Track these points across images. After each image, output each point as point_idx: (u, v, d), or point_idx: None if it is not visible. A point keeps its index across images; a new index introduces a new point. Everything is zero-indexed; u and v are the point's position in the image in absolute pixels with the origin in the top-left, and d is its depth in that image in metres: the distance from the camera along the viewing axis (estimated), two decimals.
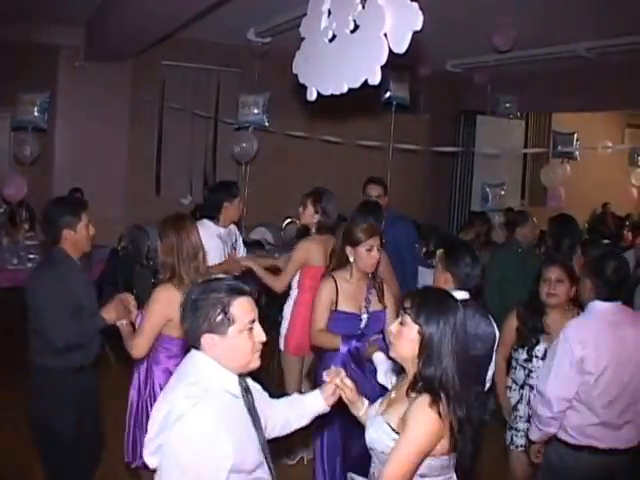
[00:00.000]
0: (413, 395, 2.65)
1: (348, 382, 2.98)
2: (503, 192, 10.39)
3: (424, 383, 2.63)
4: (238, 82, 10.68)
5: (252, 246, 7.80)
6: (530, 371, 4.37)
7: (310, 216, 5.31)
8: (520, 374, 4.44)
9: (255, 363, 2.53)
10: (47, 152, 9.59)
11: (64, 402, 3.97)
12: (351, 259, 4.23)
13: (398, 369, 2.98)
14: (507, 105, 11.18)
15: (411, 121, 11.09)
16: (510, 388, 4.51)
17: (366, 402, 3.03)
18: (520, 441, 4.41)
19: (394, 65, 2.77)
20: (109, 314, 3.95)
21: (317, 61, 3.24)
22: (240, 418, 2.49)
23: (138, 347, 3.89)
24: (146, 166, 10.89)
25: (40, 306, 3.89)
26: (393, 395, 2.86)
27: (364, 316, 4.27)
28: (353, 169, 10.38)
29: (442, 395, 2.59)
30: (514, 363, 4.51)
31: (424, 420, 2.56)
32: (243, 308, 2.45)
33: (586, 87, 10.74)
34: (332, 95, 3.06)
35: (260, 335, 2.50)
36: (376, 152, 10.02)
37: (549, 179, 10.50)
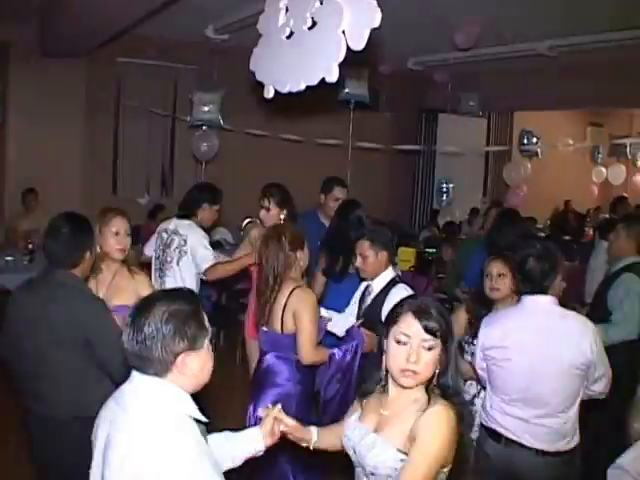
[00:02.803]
0: (422, 406, 2.51)
1: (289, 421, 2.78)
2: (452, 185, 10.50)
3: (441, 393, 2.53)
4: (196, 80, 10.63)
5: (212, 246, 7.75)
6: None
7: (276, 217, 5.22)
8: None
9: (210, 371, 2.34)
10: None
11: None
12: (301, 263, 4.22)
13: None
14: (471, 104, 11.28)
15: (372, 119, 11.17)
16: (465, 382, 4.53)
17: (314, 431, 2.87)
18: (473, 435, 4.31)
19: (353, 62, 2.77)
20: None
21: (274, 58, 3.25)
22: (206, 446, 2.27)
23: None
24: (102, 165, 10.78)
25: (102, 341, 3.49)
26: (385, 413, 2.63)
27: (326, 315, 4.36)
28: (314, 167, 10.39)
29: (452, 403, 2.50)
30: (470, 357, 4.48)
31: (445, 426, 2.44)
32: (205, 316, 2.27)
33: (548, 86, 10.86)
34: (290, 93, 3.07)
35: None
36: (338, 150, 10.08)
37: (511, 177, 10.65)
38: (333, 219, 5.50)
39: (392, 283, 4.47)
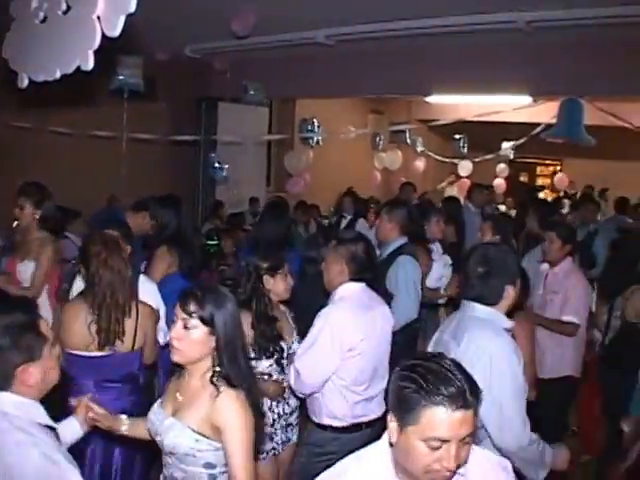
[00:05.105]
0: (210, 393, 2.79)
1: (98, 410, 2.98)
2: (225, 172, 10.62)
3: (223, 379, 2.79)
4: None
5: None
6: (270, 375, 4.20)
7: (30, 215, 5.17)
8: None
9: (57, 376, 2.41)
10: None
11: None
12: None
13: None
14: (252, 92, 11.34)
15: (148, 109, 10.97)
16: None
17: (124, 420, 3.10)
18: (267, 446, 4.23)
19: (126, 50, 2.73)
20: None
21: (28, 44, 3.13)
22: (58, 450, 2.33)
23: None
24: None
25: None
26: (180, 398, 2.91)
27: None
28: (87, 161, 10.06)
29: (241, 388, 2.81)
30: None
31: (241, 413, 2.75)
32: (46, 324, 2.33)
33: (327, 73, 11.13)
34: (46, 82, 2.96)
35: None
36: (114, 142, 9.77)
37: (293, 165, 10.86)
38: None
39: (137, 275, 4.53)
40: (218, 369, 2.81)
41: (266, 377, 4.14)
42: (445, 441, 2.01)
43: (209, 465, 2.81)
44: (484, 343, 3.18)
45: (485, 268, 3.30)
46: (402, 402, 2.08)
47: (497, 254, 3.36)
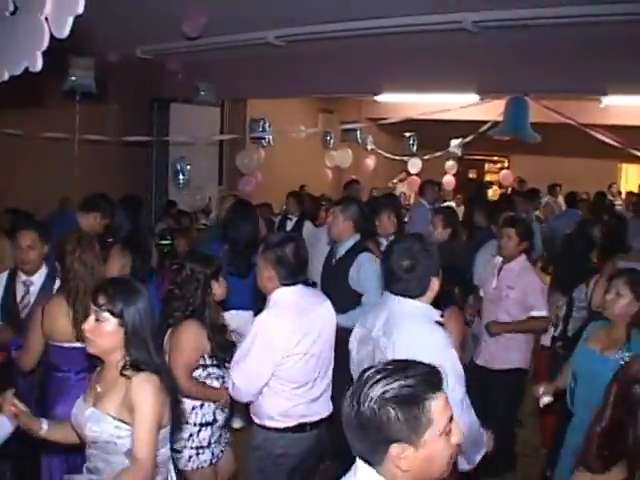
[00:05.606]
0: (125, 380, 2.90)
1: (20, 406, 3.04)
2: (187, 175, 10.60)
3: (134, 366, 2.91)
4: None
5: None
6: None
7: None
8: None
9: None
10: None
11: None
12: None
13: None
14: (202, 92, 11.30)
15: (100, 110, 10.87)
16: (202, 406, 4.14)
17: (44, 421, 3.12)
18: (205, 457, 4.14)
19: (77, 51, 2.69)
20: None
21: None
22: None
23: None
24: None
25: None
26: (99, 389, 3.01)
27: None
28: (39, 163, 9.93)
29: (153, 372, 2.92)
30: (203, 381, 4.10)
31: (150, 393, 2.85)
32: None
33: (278, 73, 11.18)
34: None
35: None
36: (64, 144, 9.64)
37: (244, 164, 10.83)
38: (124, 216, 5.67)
39: (51, 278, 4.63)
40: (128, 358, 2.94)
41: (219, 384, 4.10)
42: (450, 419, 2.05)
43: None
44: (419, 340, 3.19)
45: (411, 261, 3.30)
46: (406, 421, 1.97)
47: (421, 247, 3.36)
